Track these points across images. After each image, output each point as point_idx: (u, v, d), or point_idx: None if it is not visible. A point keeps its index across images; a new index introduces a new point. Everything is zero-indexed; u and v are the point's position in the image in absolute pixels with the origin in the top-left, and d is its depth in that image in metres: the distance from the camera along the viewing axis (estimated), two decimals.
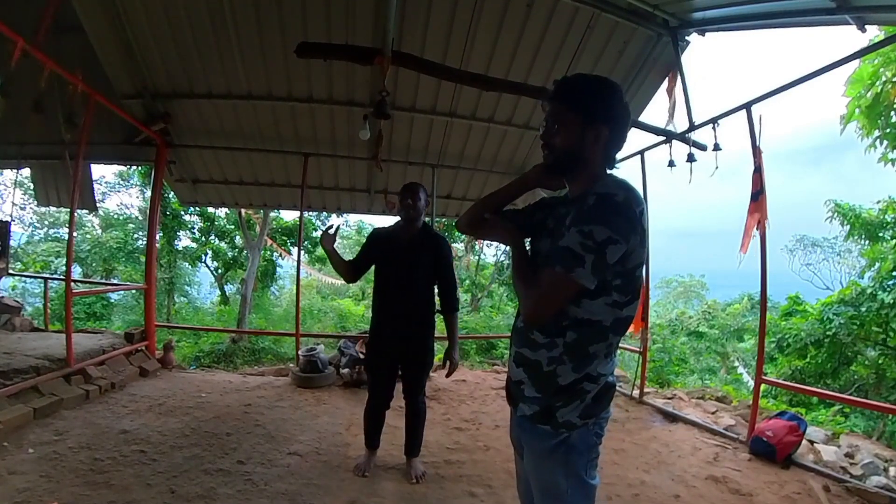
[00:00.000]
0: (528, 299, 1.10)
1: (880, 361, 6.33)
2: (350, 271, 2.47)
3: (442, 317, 2.63)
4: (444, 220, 12.07)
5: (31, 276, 10.08)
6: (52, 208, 10.58)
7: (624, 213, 1.01)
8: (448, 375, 2.56)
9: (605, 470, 1.00)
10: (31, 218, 13.12)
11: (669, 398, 4.55)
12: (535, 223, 1.27)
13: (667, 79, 4.49)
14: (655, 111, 5.10)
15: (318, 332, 10.14)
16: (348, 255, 2.56)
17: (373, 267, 2.54)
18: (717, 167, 3.92)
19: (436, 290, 2.56)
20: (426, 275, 2.47)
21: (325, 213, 11.56)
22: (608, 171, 1.16)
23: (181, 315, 13.07)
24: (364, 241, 2.61)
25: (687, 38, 4.18)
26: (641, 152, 4.70)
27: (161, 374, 4.43)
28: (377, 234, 2.58)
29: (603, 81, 1.14)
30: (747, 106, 3.39)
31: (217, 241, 13.02)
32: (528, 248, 1.26)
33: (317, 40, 3.57)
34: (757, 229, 3.22)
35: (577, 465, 1.12)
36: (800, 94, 3.51)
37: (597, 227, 0.98)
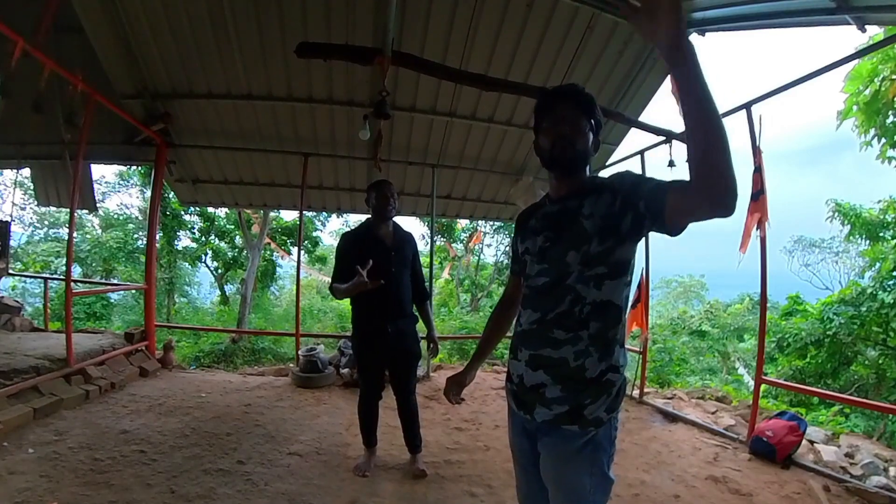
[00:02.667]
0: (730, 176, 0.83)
1: (880, 361, 6.32)
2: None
3: (417, 307, 2.69)
4: (444, 219, 12.10)
5: (31, 276, 10.08)
6: (52, 208, 10.59)
7: None
8: (434, 357, 2.62)
9: None
10: (31, 218, 13.11)
11: (669, 398, 4.55)
12: (523, 239, 1.30)
13: (671, 79, 4.48)
14: (656, 111, 5.11)
15: (318, 332, 10.16)
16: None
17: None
18: None
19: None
20: (407, 269, 2.55)
21: (324, 212, 11.64)
22: None
23: (181, 315, 13.08)
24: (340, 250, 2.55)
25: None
26: (641, 152, 4.70)
27: (161, 374, 4.43)
28: (353, 238, 2.55)
29: None
30: (747, 106, 3.38)
31: (217, 241, 13.02)
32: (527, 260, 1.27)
33: (317, 40, 3.57)
34: (757, 229, 3.21)
35: (602, 462, 1.13)
36: (796, 94, 3.51)
37: (635, 175, 1.10)
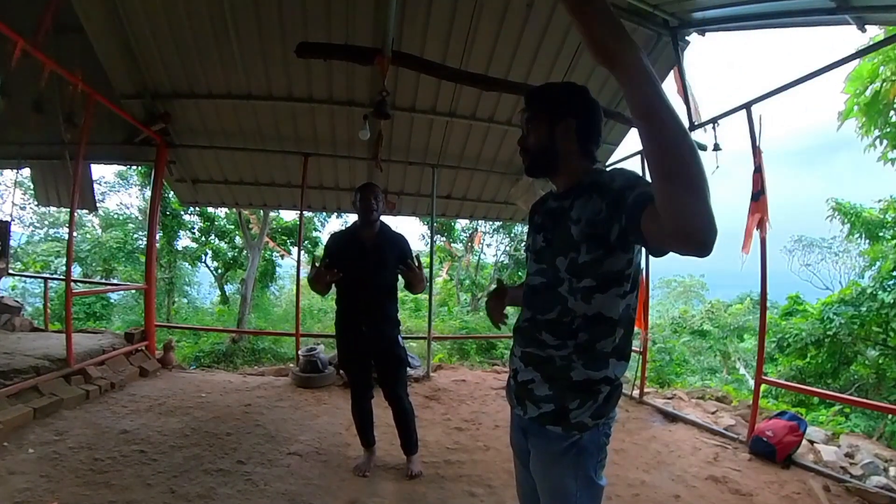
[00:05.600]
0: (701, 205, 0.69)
1: (880, 361, 6.33)
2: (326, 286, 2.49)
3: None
4: (443, 219, 12.10)
5: (31, 276, 10.07)
6: (52, 208, 10.59)
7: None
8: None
9: (606, 470, 1.01)
10: (31, 218, 13.10)
11: (669, 398, 4.54)
12: (528, 234, 1.32)
13: (673, 79, 4.47)
14: None
15: (318, 332, 10.14)
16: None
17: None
18: (717, 167, 3.91)
19: (400, 282, 2.59)
20: (391, 272, 2.51)
21: (324, 213, 11.64)
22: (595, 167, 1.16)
23: (181, 315, 13.08)
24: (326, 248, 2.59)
25: (687, 37, 4.17)
26: (641, 152, 4.70)
27: (161, 374, 4.43)
28: (338, 238, 2.60)
29: (566, 83, 1.21)
30: (747, 106, 3.38)
31: (217, 241, 13.02)
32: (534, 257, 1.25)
33: (317, 40, 3.57)
34: (758, 229, 3.21)
35: (588, 467, 1.12)
36: (793, 96, 3.50)
37: (627, 178, 0.98)
